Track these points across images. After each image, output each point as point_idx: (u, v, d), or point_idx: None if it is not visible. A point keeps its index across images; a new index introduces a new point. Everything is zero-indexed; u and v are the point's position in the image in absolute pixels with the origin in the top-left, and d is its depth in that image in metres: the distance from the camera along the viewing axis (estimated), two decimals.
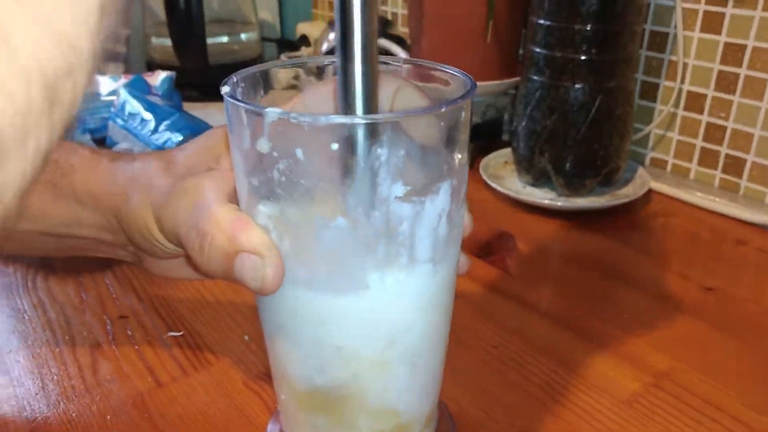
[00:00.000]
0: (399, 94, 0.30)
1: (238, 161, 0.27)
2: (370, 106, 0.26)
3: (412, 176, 0.26)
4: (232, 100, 0.26)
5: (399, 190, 0.25)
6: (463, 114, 0.27)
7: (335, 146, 0.25)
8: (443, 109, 0.26)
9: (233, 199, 0.29)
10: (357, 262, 0.26)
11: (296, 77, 0.34)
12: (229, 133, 0.28)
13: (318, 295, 0.27)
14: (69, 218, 0.35)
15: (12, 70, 0.15)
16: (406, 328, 0.28)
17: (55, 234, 0.35)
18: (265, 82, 0.32)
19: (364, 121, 0.25)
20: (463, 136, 0.28)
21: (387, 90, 0.30)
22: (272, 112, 0.24)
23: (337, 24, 0.25)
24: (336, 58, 0.26)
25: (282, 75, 0.33)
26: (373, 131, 0.25)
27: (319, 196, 0.26)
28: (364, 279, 0.26)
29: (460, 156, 0.28)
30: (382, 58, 0.32)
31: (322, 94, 0.31)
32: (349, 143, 0.25)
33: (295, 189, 0.26)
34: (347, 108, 0.26)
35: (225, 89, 0.27)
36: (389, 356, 0.29)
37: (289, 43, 1.08)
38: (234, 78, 0.29)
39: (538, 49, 0.60)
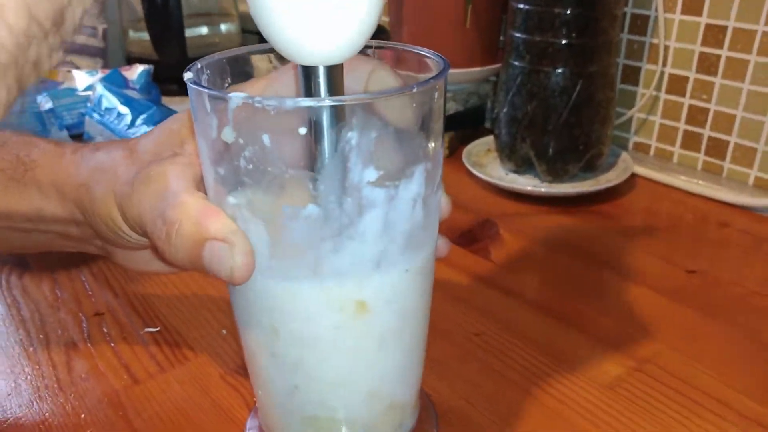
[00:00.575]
0: (373, 75, 0.29)
1: (204, 150, 0.26)
2: (335, 88, 0.26)
3: (385, 160, 0.25)
4: (195, 87, 0.25)
5: (371, 174, 0.25)
6: (437, 95, 0.26)
7: (303, 130, 0.24)
8: (415, 90, 0.25)
9: (200, 184, 0.28)
10: (330, 250, 0.25)
11: (274, 66, 0.33)
12: (193, 122, 0.27)
13: (291, 284, 0.26)
14: (33, 213, 0.34)
15: None
16: (384, 313, 0.28)
17: (20, 229, 0.35)
18: (234, 70, 0.31)
19: (331, 103, 0.25)
20: (437, 118, 0.27)
21: (361, 71, 0.29)
22: (236, 97, 0.23)
23: None
24: None
25: (261, 64, 0.32)
26: (341, 113, 0.25)
27: (288, 184, 0.25)
28: (339, 267, 0.26)
29: (434, 139, 0.27)
30: None
31: (291, 77, 0.30)
32: (317, 127, 0.25)
33: (263, 177, 0.25)
34: (310, 91, 0.26)
35: (188, 75, 0.26)
36: (367, 342, 0.28)
37: None
38: (198, 64, 0.28)
39: (518, 34, 0.59)
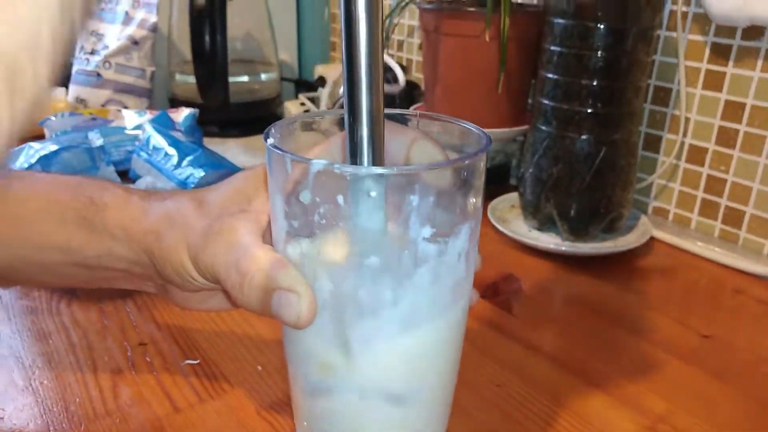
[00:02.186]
0: (416, 144, 0.33)
1: (278, 204, 0.30)
2: (376, 158, 0.29)
3: (437, 219, 0.29)
4: (276, 151, 0.28)
5: (426, 231, 0.28)
6: (481, 164, 0.30)
7: (373, 193, 0.28)
8: (467, 162, 0.29)
9: (266, 239, 0.31)
10: (388, 297, 0.28)
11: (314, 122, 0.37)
12: (269, 178, 0.30)
13: (348, 327, 0.29)
14: (102, 251, 0.37)
15: None
16: (434, 356, 0.31)
17: (88, 265, 0.38)
18: (294, 132, 0.34)
19: (400, 172, 0.28)
20: (479, 183, 0.30)
21: (404, 141, 0.33)
22: (317, 163, 0.27)
23: (346, 97, 0.28)
24: (345, 117, 0.28)
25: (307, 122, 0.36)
26: (407, 181, 0.28)
27: (354, 237, 0.29)
28: (397, 314, 0.29)
29: (475, 201, 0.30)
30: (401, 111, 0.35)
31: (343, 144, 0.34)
32: (385, 191, 0.28)
33: (333, 231, 0.29)
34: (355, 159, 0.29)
35: (270, 141, 0.29)
36: (413, 384, 0.31)
37: (306, 84, 1.12)
38: (272, 129, 0.31)
39: (546, 101, 0.63)
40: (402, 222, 0.28)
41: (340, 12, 0.27)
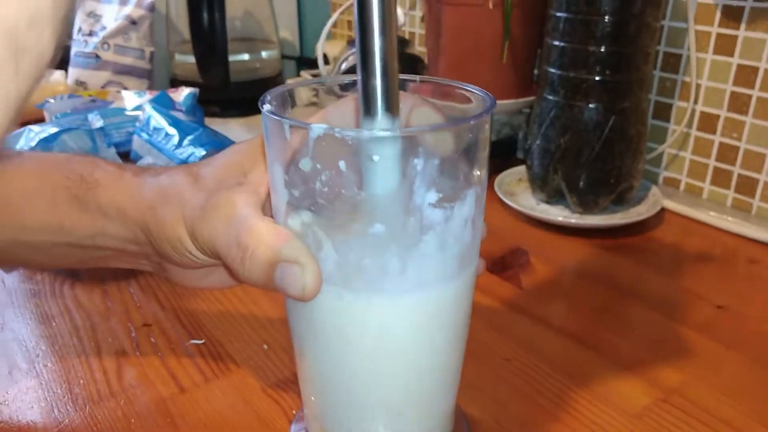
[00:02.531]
0: (415, 111, 0.32)
1: (278, 174, 0.29)
2: (393, 114, 0.28)
3: (443, 184, 0.28)
4: (274, 117, 0.27)
5: (432, 197, 0.27)
6: (486, 127, 0.29)
7: (376, 158, 0.27)
8: (471, 122, 0.28)
9: (266, 211, 0.30)
10: (393, 265, 0.28)
11: (316, 95, 0.36)
12: (267, 147, 0.29)
13: (355, 297, 0.28)
14: (95, 230, 0.36)
15: None
16: (439, 326, 0.30)
17: (81, 245, 0.37)
18: (291, 100, 0.33)
19: (403, 134, 0.27)
20: (485, 147, 0.29)
21: (403, 107, 0.31)
22: (317, 128, 0.26)
23: (358, 41, 0.27)
24: (357, 74, 0.27)
25: (303, 93, 0.35)
26: (411, 144, 0.27)
27: (357, 204, 0.28)
28: (403, 282, 0.28)
29: (482, 166, 0.29)
30: (403, 76, 0.34)
31: (343, 111, 0.33)
32: (388, 155, 0.27)
33: (336, 199, 0.28)
34: (369, 115, 0.28)
35: (267, 107, 0.28)
36: (424, 351, 0.30)
37: (308, 61, 1.10)
38: (268, 96, 0.30)
39: (552, 70, 0.61)
40: (407, 187, 0.27)
41: None
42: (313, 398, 0.33)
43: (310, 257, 0.28)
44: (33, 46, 0.18)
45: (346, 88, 0.35)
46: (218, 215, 0.31)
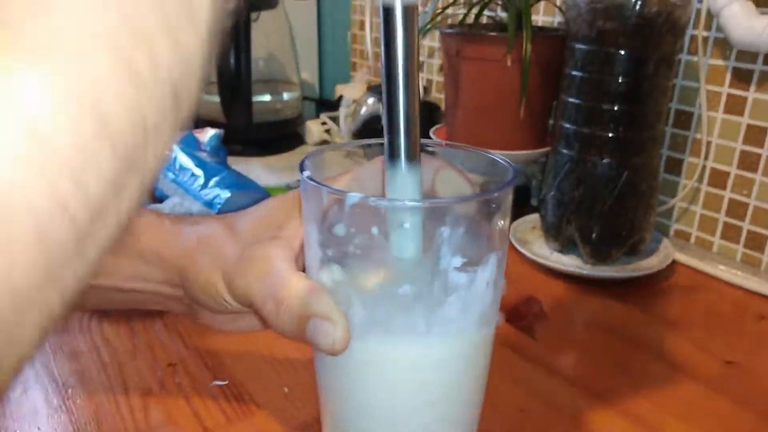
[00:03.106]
0: (439, 174, 0.34)
1: (313, 233, 0.31)
2: (415, 162, 0.30)
3: (467, 249, 0.30)
4: (312, 183, 0.29)
5: (457, 261, 0.29)
6: (508, 196, 0.31)
7: (407, 225, 0.29)
8: (495, 194, 0.30)
9: (298, 264, 0.32)
10: (419, 325, 0.29)
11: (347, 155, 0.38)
12: (304, 208, 0.31)
13: (380, 352, 0.30)
14: (135, 274, 0.38)
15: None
16: (460, 380, 0.32)
17: (122, 289, 0.39)
18: (325, 162, 0.35)
19: (432, 205, 0.29)
20: (506, 213, 0.31)
21: (428, 170, 0.34)
22: (353, 196, 0.28)
23: (384, 98, 0.29)
24: (383, 125, 0.29)
25: (335, 155, 0.37)
26: (438, 213, 0.29)
27: (387, 266, 0.30)
28: (424, 340, 0.30)
29: (503, 229, 0.31)
30: (425, 142, 0.36)
31: (371, 172, 0.35)
32: (417, 222, 0.29)
33: (367, 260, 0.30)
34: (393, 164, 0.30)
35: (306, 173, 0.30)
36: (435, 404, 0.32)
37: (327, 103, 1.14)
38: (306, 161, 0.32)
39: (567, 125, 0.63)
40: (433, 252, 0.29)
41: (379, 24, 0.28)
42: None
43: (341, 314, 0.29)
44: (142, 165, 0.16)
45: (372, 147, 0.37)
46: (254, 268, 0.33)
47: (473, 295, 0.30)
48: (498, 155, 0.34)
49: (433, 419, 0.32)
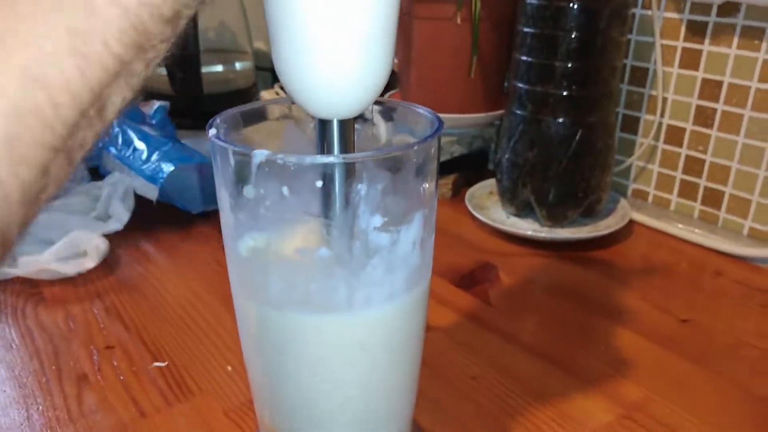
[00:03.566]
0: None
1: (224, 198, 0.29)
2: (347, 140, 0.28)
3: (388, 208, 0.28)
4: (220, 142, 0.27)
5: (377, 221, 0.27)
6: (432, 150, 0.29)
7: (319, 183, 0.27)
8: (415, 148, 0.28)
9: None
10: (338, 289, 0.27)
11: (289, 108, 0.36)
12: (215, 172, 0.29)
13: (302, 320, 0.28)
14: None
15: None
16: (385, 346, 0.30)
17: None
18: (247, 121, 0.33)
19: (345, 161, 0.27)
20: (432, 168, 0.29)
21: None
22: (259, 153, 0.26)
23: None
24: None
25: (274, 109, 0.35)
26: (353, 169, 0.27)
27: (302, 229, 0.28)
28: (347, 305, 0.28)
29: (428, 187, 0.29)
30: None
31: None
32: (331, 180, 0.27)
33: (280, 222, 0.27)
34: (324, 141, 0.28)
35: (212, 132, 0.28)
36: (366, 371, 0.30)
37: None
38: (217, 119, 0.30)
39: (520, 84, 0.61)
40: (351, 211, 0.27)
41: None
42: (267, 411, 0.33)
43: None
44: None
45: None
46: None
47: (397, 257, 0.28)
48: (424, 108, 0.32)
49: (361, 384, 0.30)
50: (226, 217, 0.29)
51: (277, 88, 1.02)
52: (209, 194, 0.68)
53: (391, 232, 0.28)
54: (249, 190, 0.26)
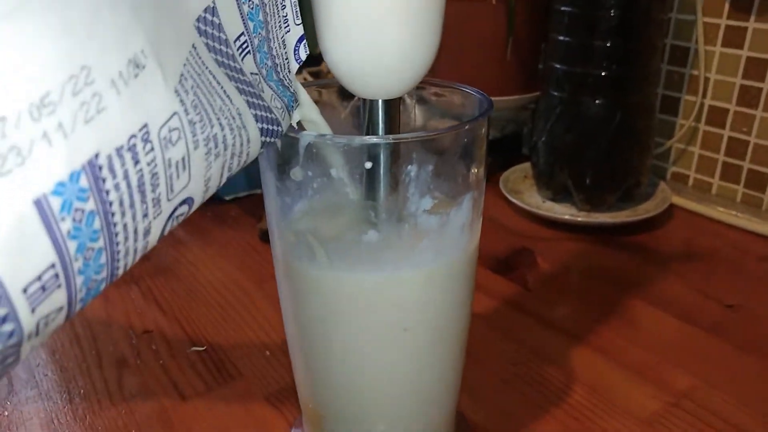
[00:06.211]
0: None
1: (270, 180, 0.28)
2: (392, 119, 0.27)
3: (439, 190, 0.27)
4: None
5: (427, 203, 0.27)
6: (482, 130, 0.28)
7: (368, 164, 0.26)
8: (466, 127, 0.27)
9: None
10: (389, 273, 0.27)
11: (320, 95, 0.35)
12: (259, 155, 0.28)
13: (349, 308, 0.28)
14: None
15: None
16: (429, 330, 0.29)
17: None
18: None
19: (394, 141, 0.26)
20: (481, 150, 0.29)
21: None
22: (307, 135, 0.25)
23: None
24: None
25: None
26: (400, 151, 0.26)
27: (350, 211, 0.27)
28: (397, 290, 0.27)
29: (478, 169, 0.29)
30: None
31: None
32: (379, 162, 0.26)
33: (328, 205, 0.27)
34: (371, 122, 0.28)
35: None
36: (408, 357, 0.30)
37: (309, 57, 1.09)
38: None
39: (557, 65, 0.60)
40: (401, 193, 0.27)
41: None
42: (310, 406, 0.33)
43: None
44: None
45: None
46: None
47: (446, 240, 0.27)
48: (471, 88, 0.31)
49: (407, 375, 0.30)
50: (271, 200, 0.28)
51: (305, 73, 1.01)
52: (253, 178, 0.68)
53: (440, 214, 0.27)
54: (296, 173, 0.26)
